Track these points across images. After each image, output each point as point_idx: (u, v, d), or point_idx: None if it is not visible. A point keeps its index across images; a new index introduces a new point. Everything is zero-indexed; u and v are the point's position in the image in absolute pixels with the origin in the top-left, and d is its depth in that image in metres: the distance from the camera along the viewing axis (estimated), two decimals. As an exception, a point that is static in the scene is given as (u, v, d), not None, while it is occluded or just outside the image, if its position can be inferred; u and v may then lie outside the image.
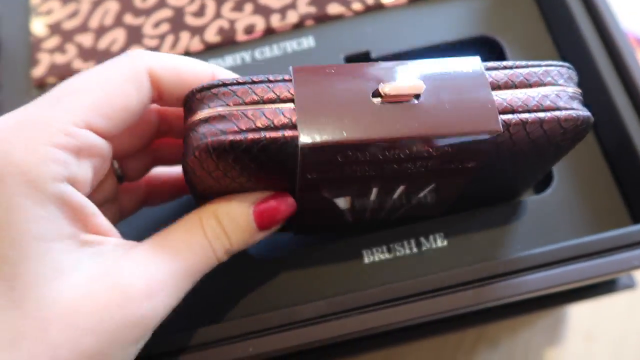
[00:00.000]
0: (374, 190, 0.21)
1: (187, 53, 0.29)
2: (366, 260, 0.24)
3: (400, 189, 0.21)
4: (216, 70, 0.21)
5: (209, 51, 0.29)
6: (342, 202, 0.22)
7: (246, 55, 0.28)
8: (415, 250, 0.24)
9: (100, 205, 0.20)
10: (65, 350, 0.16)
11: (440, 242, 0.24)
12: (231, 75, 0.21)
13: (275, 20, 0.29)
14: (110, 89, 0.19)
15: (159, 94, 0.20)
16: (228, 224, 0.20)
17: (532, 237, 0.24)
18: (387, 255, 0.24)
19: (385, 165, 0.19)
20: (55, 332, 0.16)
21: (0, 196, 0.17)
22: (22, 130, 0.17)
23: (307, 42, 0.28)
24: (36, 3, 0.30)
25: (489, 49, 0.28)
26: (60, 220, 0.17)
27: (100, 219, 0.18)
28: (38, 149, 0.17)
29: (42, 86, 0.29)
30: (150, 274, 0.18)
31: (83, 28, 0.29)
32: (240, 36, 0.29)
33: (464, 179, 0.21)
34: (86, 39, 0.29)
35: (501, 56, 0.28)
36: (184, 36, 0.29)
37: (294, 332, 0.21)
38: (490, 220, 0.24)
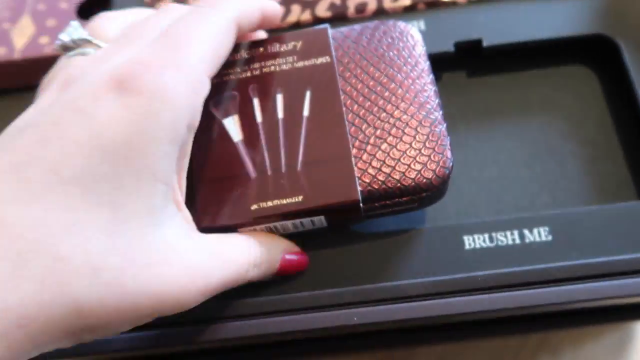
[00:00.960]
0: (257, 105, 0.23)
1: (297, 24, 0.29)
2: (467, 246, 0.24)
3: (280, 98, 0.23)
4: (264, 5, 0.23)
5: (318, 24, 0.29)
6: (232, 126, 0.23)
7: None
8: (517, 241, 0.24)
9: None
10: (130, 288, 0.17)
11: (545, 236, 0.24)
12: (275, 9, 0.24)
13: (387, 1, 0.29)
14: (216, 45, 0.20)
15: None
16: (265, 260, 0.21)
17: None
18: (488, 244, 0.24)
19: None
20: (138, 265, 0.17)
21: (149, 128, 0.18)
22: (171, 72, 0.18)
23: (418, 25, 0.28)
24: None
25: (605, 50, 0.28)
26: (173, 166, 0.19)
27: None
28: (186, 94, 0.19)
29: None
30: (207, 269, 0.19)
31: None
32: (351, 13, 0.29)
33: None
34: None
35: (617, 58, 0.27)
36: (295, 9, 0.29)
37: (397, 306, 0.21)
38: (601, 220, 0.24)
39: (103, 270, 0.16)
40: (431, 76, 0.24)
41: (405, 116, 0.23)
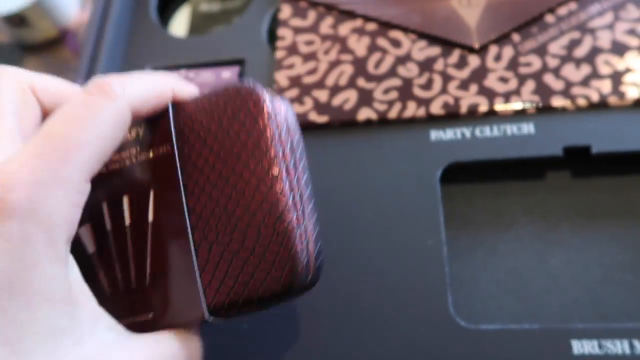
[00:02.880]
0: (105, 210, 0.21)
1: (413, 119, 0.31)
2: (575, 351, 0.24)
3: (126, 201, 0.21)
4: (176, 86, 0.22)
5: (431, 121, 0.31)
6: (85, 236, 0.21)
7: (467, 131, 0.31)
8: (627, 351, 0.24)
9: None
10: None
11: (656, 350, 0.24)
12: (189, 89, 0.23)
13: (499, 103, 0.31)
14: (104, 145, 0.19)
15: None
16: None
17: None
18: (597, 351, 0.24)
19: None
20: None
21: (26, 255, 0.17)
22: (44, 188, 0.17)
23: (528, 128, 0.30)
24: (281, 56, 0.35)
25: None
26: (68, 284, 0.18)
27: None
28: (61, 211, 0.17)
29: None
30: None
31: (320, 84, 0.33)
32: (463, 112, 0.31)
33: None
34: (322, 95, 0.33)
35: None
36: (411, 105, 0.32)
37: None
38: None
39: None
40: (289, 159, 0.21)
41: (246, 215, 0.20)
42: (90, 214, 0.22)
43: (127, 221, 0.22)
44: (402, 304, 0.27)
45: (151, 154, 0.22)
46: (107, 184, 0.22)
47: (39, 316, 0.17)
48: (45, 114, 0.21)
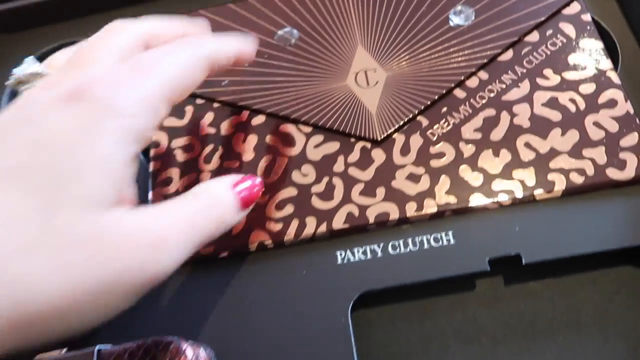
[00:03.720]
0: None
1: (313, 239, 0.26)
2: None
3: None
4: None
5: (336, 238, 0.26)
6: None
7: (377, 249, 0.26)
8: None
9: None
10: (80, 272, 0.16)
11: None
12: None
13: (411, 210, 0.26)
14: (181, 76, 0.21)
15: None
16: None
17: None
18: None
19: None
20: (75, 251, 0.17)
21: (94, 131, 0.18)
22: (125, 90, 0.19)
23: (446, 238, 0.26)
24: (155, 168, 0.29)
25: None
26: (121, 173, 0.19)
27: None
28: (137, 113, 0.19)
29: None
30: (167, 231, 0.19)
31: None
32: (372, 224, 0.26)
33: None
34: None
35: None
36: (310, 221, 0.26)
37: None
38: None
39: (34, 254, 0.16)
40: None
41: None
42: None
43: None
44: None
45: None
46: None
47: (85, 182, 0.17)
48: None
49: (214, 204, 0.21)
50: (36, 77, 0.23)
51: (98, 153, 0.18)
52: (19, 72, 0.23)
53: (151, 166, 0.29)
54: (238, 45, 0.24)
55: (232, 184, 0.22)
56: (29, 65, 0.23)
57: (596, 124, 0.26)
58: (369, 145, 0.28)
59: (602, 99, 0.27)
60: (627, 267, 0.26)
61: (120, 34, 0.21)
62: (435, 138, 0.27)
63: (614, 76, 0.27)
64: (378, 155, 0.28)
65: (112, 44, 0.21)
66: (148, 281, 0.18)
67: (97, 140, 0.18)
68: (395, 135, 0.28)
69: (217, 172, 0.28)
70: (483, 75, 0.29)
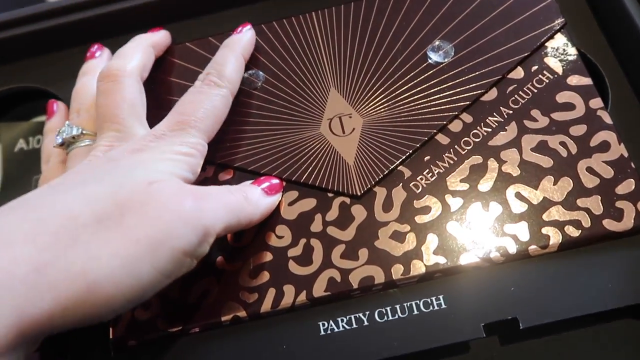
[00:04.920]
0: None
1: (292, 308, 0.24)
2: None
3: None
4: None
5: (317, 307, 0.24)
6: None
7: (363, 317, 0.24)
8: None
9: None
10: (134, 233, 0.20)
11: None
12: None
13: (397, 272, 0.24)
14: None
15: None
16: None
17: None
18: None
19: None
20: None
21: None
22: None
23: (437, 302, 0.24)
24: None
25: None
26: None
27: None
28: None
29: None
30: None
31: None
32: (355, 289, 0.24)
33: None
34: (171, 288, 0.25)
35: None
36: (289, 290, 0.24)
37: None
38: None
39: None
40: None
41: None
42: None
43: None
44: None
45: None
46: None
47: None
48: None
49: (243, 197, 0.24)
50: (79, 138, 0.27)
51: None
52: (63, 136, 0.27)
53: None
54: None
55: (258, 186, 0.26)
56: (70, 128, 0.27)
57: (590, 170, 0.25)
58: (348, 200, 0.26)
59: (594, 141, 0.25)
60: (628, 321, 0.24)
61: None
62: (419, 190, 0.25)
63: (605, 115, 0.26)
64: (358, 211, 0.25)
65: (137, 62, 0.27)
66: (194, 234, 0.20)
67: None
68: (376, 189, 0.26)
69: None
70: (467, 118, 0.27)
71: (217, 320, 0.24)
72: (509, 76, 0.27)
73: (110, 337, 0.24)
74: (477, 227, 0.24)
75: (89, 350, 0.25)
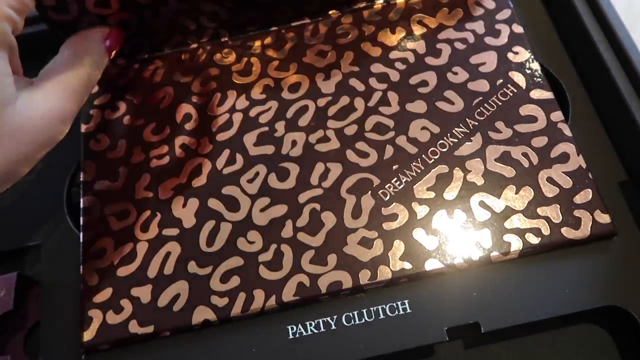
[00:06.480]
0: None
1: (262, 312, 0.25)
2: None
3: None
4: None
5: (286, 311, 0.25)
6: None
7: (331, 321, 0.24)
8: None
9: None
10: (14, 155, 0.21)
11: None
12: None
13: (364, 278, 0.25)
14: None
15: None
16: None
17: None
18: None
19: None
20: (7, 142, 0.21)
21: None
22: None
23: (402, 307, 0.24)
24: (88, 239, 0.27)
25: (618, 318, 0.24)
26: (5, 59, 0.21)
27: (18, 60, 0.24)
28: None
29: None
30: (56, 106, 0.23)
31: (140, 278, 0.25)
32: (324, 294, 0.25)
33: None
34: (143, 293, 0.25)
35: (633, 325, 0.23)
36: (258, 294, 0.25)
37: None
38: None
39: None
40: None
41: None
42: None
43: None
44: None
45: None
46: None
47: None
48: None
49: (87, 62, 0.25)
50: None
51: None
52: None
53: (82, 236, 0.27)
54: None
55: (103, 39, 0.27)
56: None
57: (550, 180, 0.26)
58: (318, 207, 0.26)
59: (555, 152, 0.26)
60: (587, 325, 0.25)
61: None
62: (387, 198, 0.26)
63: (565, 128, 0.27)
64: (328, 218, 0.26)
65: None
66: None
67: None
68: (345, 196, 0.26)
69: (156, 242, 0.26)
70: (434, 128, 0.27)
71: (187, 323, 0.25)
72: (475, 89, 0.28)
73: (82, 340, 0.25)
74: (442, 234, 0.25)
75: (60, 354, 0.25)
